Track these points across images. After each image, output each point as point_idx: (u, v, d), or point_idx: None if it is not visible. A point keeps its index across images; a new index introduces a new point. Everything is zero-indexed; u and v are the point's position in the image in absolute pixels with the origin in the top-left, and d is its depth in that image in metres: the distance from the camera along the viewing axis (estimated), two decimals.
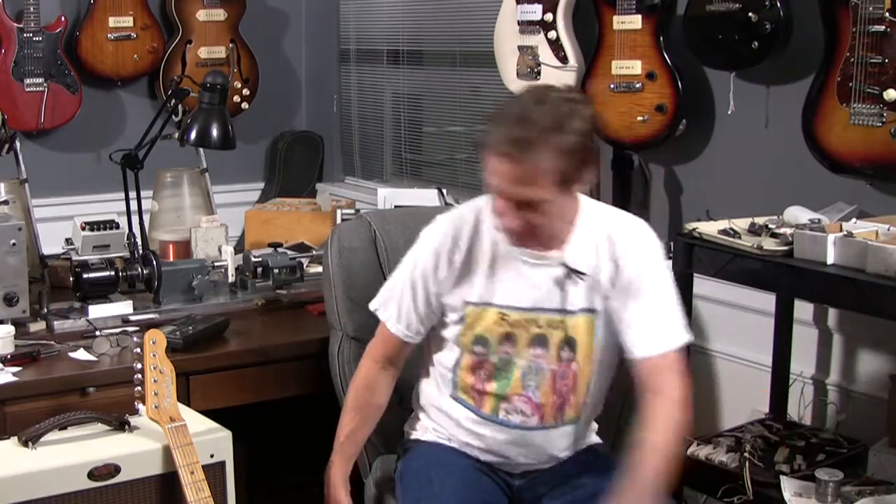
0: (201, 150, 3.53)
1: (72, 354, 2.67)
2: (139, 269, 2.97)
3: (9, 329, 2.68)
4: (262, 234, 3.51)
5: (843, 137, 2.67)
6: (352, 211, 3.55)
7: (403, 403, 2.50)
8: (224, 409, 2.62)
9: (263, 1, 4.73)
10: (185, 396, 2.58)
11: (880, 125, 2.59)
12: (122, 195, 3.09)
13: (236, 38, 4.49)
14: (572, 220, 2.24)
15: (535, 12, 3.43)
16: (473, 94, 4.07)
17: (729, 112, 3.06)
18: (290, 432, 3.18)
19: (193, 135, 3.15)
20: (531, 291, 2.25)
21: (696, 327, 3.07)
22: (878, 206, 2.71)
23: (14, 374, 2.55)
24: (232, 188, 4.54)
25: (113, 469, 2.20)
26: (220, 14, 4.44)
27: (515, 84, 3.56)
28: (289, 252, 3.23)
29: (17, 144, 3.26)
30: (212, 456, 2.30)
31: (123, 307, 2.93)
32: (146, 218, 3.21)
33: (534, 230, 2.17)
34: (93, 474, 2.18)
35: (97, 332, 2.77)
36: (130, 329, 2.80)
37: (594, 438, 2.44)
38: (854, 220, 2.58)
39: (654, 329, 2.21)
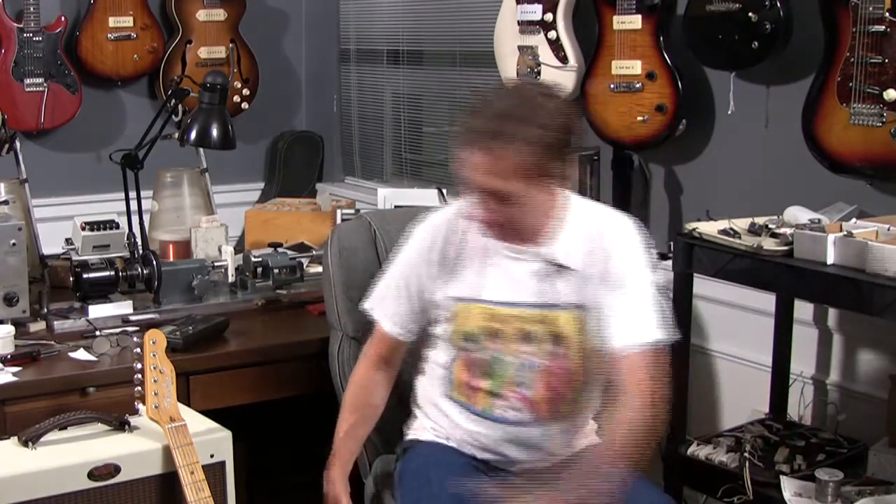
0: (201, 150, 3.53)
1: (72, 354, 2.67)
2: (139, 269, 2.97)
3: (9, 329, 2.68)
4: (262, 234, 3.51)
5: (843, 137, 2.67)
6: (352, 211, 3.55)
7: (403, 403, 2.50)
8: (224, 409, 2.62)
9: (263, 1, 4.73)
10: (185, 396, 2.58)
11: (880, 125, 2.59)
12: (122, 195, 3.08)
13: (236, 38, 4.49)
14: (556, 216, 2.25)
15: (535, 12, 3.43)
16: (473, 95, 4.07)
17: (729, 112, 3.06)
18: (290, 432, 3.18)
19: (193, 135, 3.15)
20: (516, 287, 2.26)
21: (697, 327, 3.07)
22: (878, 206, 2.71)
23: (14, 374, 2.54)
24: (232, 188, 4.54)
25: (113, 469, 2.20)
26: (220, 14, 4.44)
27: None
28: (289, 252, 3.22)
29: (17, 144, 3.26)
30: (212, 456, 2.30)
31: (123, 307, 2.93)
32: (146, 218, 3.21)
33: (507, 223, 2.17)
34: (93, 474, 2.18)
35: (97, 332, 2.77)
36: (130, 329, 2.80)
37: (595, 438, 2.43)
38: (854, 220, 2.58)
39: (624, 322, 2.19)
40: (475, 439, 2.32)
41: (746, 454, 2.58)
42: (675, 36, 3.13)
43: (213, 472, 2.30)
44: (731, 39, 2.92)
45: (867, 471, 2.55)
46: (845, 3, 2.60)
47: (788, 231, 2.52)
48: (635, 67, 3.18)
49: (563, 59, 3.41)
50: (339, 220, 3.48)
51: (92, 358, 2.65)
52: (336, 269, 2.72)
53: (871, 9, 2.56)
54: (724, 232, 2.58)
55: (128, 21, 4.29)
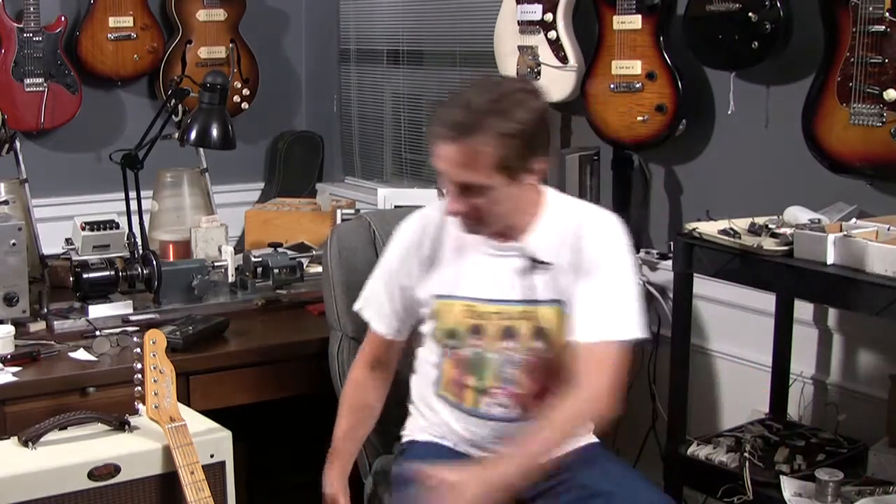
0: (201, 150, 3.53)
1: (72, 354, 2.67)
2: (139, 269, 2.97)
3: (9, 329, 2.68)
4: (262, 234, 3.51)
5: (843, 137, 2.67)
6: (352, 211, 3.55)
7: (402, 402, 2.50)
8: (224, 409, 2.62)
9: (263, 1, 4.73)
10: (185, 396, 2.58)
11: (880, 125, 2.59)
12: (122, 195, 3.08)
13: (236, 38, 4.49)
14: (533, 211, 2.25)
15: (535, 12, 3.43)
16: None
17: (729, 112, 3.06)
18: (290, 432, 3.18)
19: (193, 135, 3.15)
20: (495, 283, 2.26)
21: (696, 327, 3.07)
22: (878, 206, 2.71)
23: (14, 374, 2.54)
24: (232, 188, 4.54)
25: (113, 469, 2.20)
26: (220, 14, 4.44)
27: None
28: (289, 252, 3.23)
29: (17, 144, 3.26)
30: (212, 456, 2.30)
31: (123, 307, 2.93)
32: (146, 218, 3.21)
33: (480, 216, 2.18)
34: (93, 474, 2.18)
35: (97, 332, 2.77)
36: (130, 329, 2.80)
37: (591, 438, 2.42)
38: (854, 220, 2.58)
39: (592, 316, 2.18)
40: (467, 437, 2.32)
41: (746, 454, 2.58)
42: (675, 36, 3.13)
43: (213, 472, 2.30)
44: (731, 39, 2.92)
45: (867, 471, 2.55)
46: (845, 3, 2.60)
47: (788, 231, 2.52)
48: (635, 67, 3.18)
49: (563, 59, 3.41)
50: (339, 220, 3.48)
51: (92, 358, 2.65)
52: (336, 270, 2.72)
53: (871, 9, 2.56)
54: (724, 232, 2.57)
55: (128, 21, 4.29)
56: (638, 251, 3.37)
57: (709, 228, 2.62)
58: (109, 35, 4.26)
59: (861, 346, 2.86)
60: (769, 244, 2.49)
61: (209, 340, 2.79)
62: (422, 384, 2.39)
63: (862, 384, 2.84)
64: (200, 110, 3.16)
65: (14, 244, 2.78)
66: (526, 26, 3.46)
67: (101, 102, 4.40)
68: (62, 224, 3.41)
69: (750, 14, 2.86)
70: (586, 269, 2.20)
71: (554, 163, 3.48)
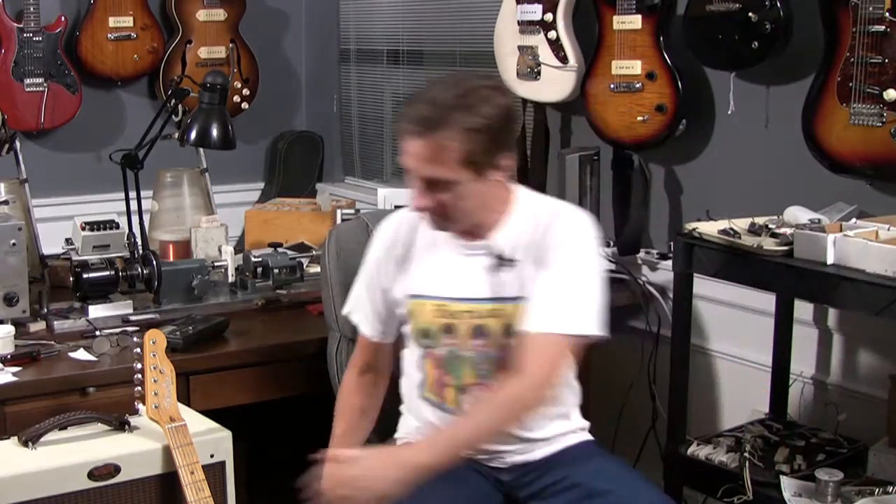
0: (201, 150, 3.53)
1: (72, 354, 2.67)
2: (139, 269, 2.97)
3: (9, 329, 2.67)
4: (262, 234, 3.51)
5: (843, 137, 2.67)
6: (352, 211, 3.55)
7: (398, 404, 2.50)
8: (224, 409, 2.62)
9: (263, 1, 4.73)
10: (185, 396, 2.58)
11: (880, 125, 2.59)
12: (122, 195, 3.08)
13: (236, 38, 4.49)
14: (501, 209, 2.25)
15: (535, 12, 3.43)
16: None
17: (729, 112, 3.06)
18: (290, 432, 3.18)
19: (193, 135, 3.15)
20: (465, 281, 2.27)
21: (696, 327, 3.07)
22: (878, 206, 2.71)
23: (14, 374, 2.54)
24: (232, 188, 4.54)
25: (113, 469, 2.20)
26: (220, 14, 4.44)
27: (515, 84, 3.56)
28: (289, 252, 3.23)
29: (17, 144, 3.26)
30: (212, 456, 2.30)
31: (123, 307, 2.93)
32: (146, 218, 3.21)
33: (447, 212, 2.18)
34: (93, 474, 2.18)
35: (97, 332, 2.77)
36: (130, 329, 2.79)
37: (585, 435, 2.41)
38: (854, 220, 2.58)
39: (543, 307, 2.17)
40: (487, 444, 2.33)
41: (746, 454, 2.58)
42: (675, 36, 3.13)
43: (213, 472, 2.30)
44: (731, 39, 2.92)
45: (867, 471, 2.55)
46: (845, 3, 2.60)
47: (788, 231, 2.52)
48: (635, 67, 3.18)
49: (563, 59, 3.41)
50: (339, 220, 3.48)
51: (92, 358, 2.65)
52: (334, 271, 2.72)
53: (871, 9, 2.56)
54: (724, 232, 2.58)
55: (128, 21, 4.29)
56: (638, 251, 3.37)
57: (709, 228, 2.62)
58: (109, 35, 4.26)
59: (861, 346, 2.86)
60: (769, 244, 2.49)
61: (209, 340, 2.79)
62: (408, 386, 2.40)
63: (862, 384, 2.84)
64: (200, 110, 3.16)
65: (14, 244, 2.78)
66: (526, 26, 3.46)
67: (101, 102, 4.40)
68: (62, 224, 3.41)
69: (750, 14, 2.86)
70: (546, 261, 2.20)
71: (553, 163, 3.49)
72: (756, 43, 2.87)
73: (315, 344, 2.83)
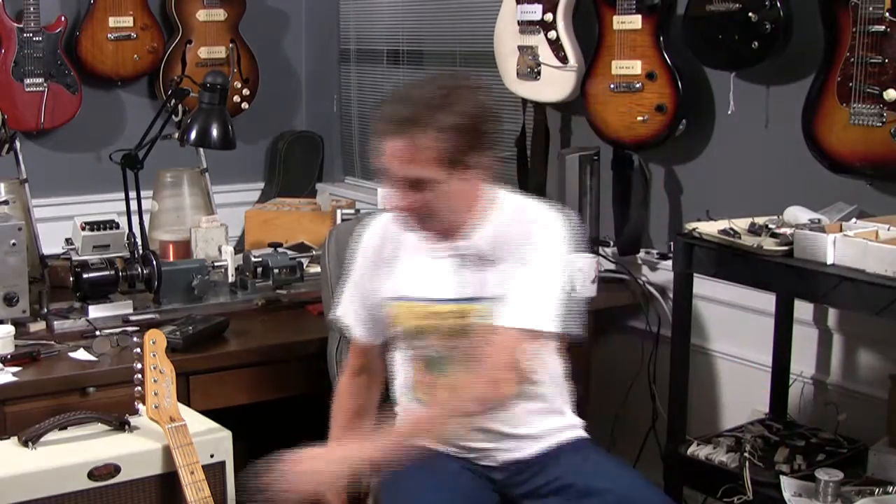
0: (201, 150, 3.53)
1: (72, 354, 2.67)
2: (139, 269, 2.97)
3: (9, 329, 2.68)
4: (262, 234, 3.51)
5: (843, 137, 2.67)
6: (352, 211, 3.55)
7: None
8: (224, 409, 2.62)
9: (263, 1, 4.73)
10: (185, 396, 2.58)
11: (880, 125, 2.59)
12: (122, 195, 3.08)
13: (236, 38, 4.49)
14: (476, 209, 2.25)
15: (535, 12, 3.43)
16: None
17: (729, 112, 3.06)
18: (290, 432, 3.18)
19: (193, 135, 3.15)
20: (441, 282, 2.27)
21: (697, 327, 3.07)
22: (878, 206, 2.71)
23: (14, 374, 2.54)
24: (232, 188, 4.54)
25: (113, 469, 2.20)
26: (220, 14, 4.44)
27: (515, 84, 3.56)
28: (289, 252, 3.23)
29: (17, 144, 3.26)
30: (212, 456, 2.30)
31: (123, 307, 2.93)
32: (146, 218, 3.21)
33: (424, 212, 2.18)
34: (93, 474, 2.18)
35: (97, 332, 2.77)
36: (130, 329, 2.79)
37: (579, 432, 2.41)
38: (854, 220, 2.58)
39: (512, 303, 2.17)
40: (447, 437, 2.33)
41: (746, 454, 2.58)
42: (675, 36, 3.13)
43: (213, 472, 2.30)
44: (731, 39, 2.92)
45: (867, 471, 2.55)
46: (845, 3, 2.60)
47: (788, 231, 2.52)
48: (635, 67, 3.18)
49: (563, 59, 3.41)
50: (339, 220, 3.48)
51: (92, 358, 2.65)
52: (333, 271, 2.72)
53: (871, 9, 2.56)
54: (724, 232, 2.58)
55: (128, 21, 4.28)
56: (638, 251, 3.38)
57: (709, 228, 2.62)
58: (109, 35, 4.26)
59: (861, 346, 2.86)
60: (769, 244, 2.49)
61: (209, 340, 2.79)
62: (399, 387, 2.40)
63: (862, 384, 2.84)
64: (200, 110, 3.16)
65: (14, 244, 2.78)
66: (526, 26, 3.46)
67: (101, 102, 4.40)
68: (62, 224, 3.40)
69: (750, 14, 2.86)
70: (513, 258, 2.20)
71: (554, 163, 3.49)
72: (756, 43, 2.87)
73: (315, 344, 2.83)
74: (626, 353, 3.38)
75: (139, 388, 2.31)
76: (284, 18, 4.84)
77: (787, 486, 2.48)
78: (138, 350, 2.33)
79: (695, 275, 2.72)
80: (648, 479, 2.31)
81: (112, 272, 2.94)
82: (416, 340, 2.31)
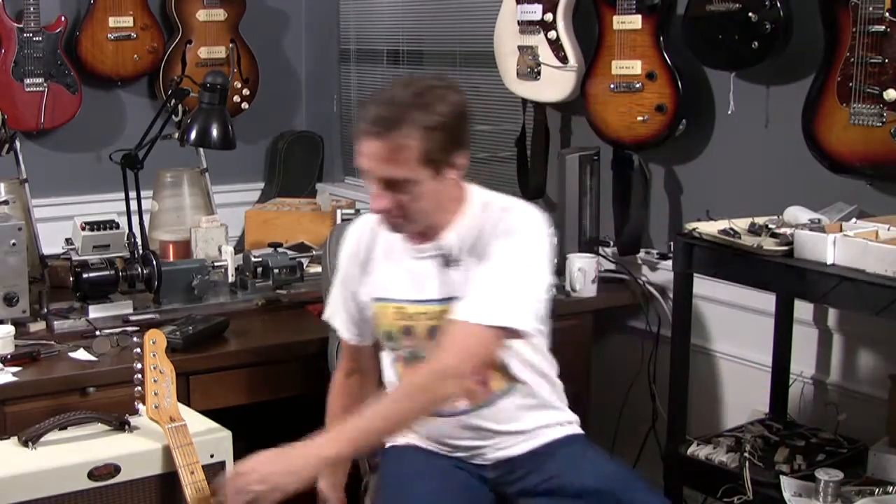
0: (201, 150, 3.53)
1: (72, 354, 2.67)
2: (139, 269, 2.97)
3: (9, 329, 2.68)
4: (262, 234, 3.51)
5: (843, 137, 2.67)
6: (352, 211, 3.55)
7: None
8: (224, 409, 2.62)
9: (263, 1, 4.73)
10: (185, 396, 2.58)
11: (880, 125, 2.59)
12: (122, 195, 3.08)
13: (236, 38, 4.49)
14: (454, 209, 2.25)
15: (535, 12, 3.43)
16: (473, 94, 4.07)
17: (729, 112, 3.06)
18: (290, 432, 3.17)
19: (193, 135, 3.15)
20: (420, 283, 2.28)
21: (697, 327, 3.07)
22: (878, 206, 2.71)
23: (14, 374, 2.54)
24: (232, 188, 4.54)
25: (113, 469, 2.20)
26: (220, 14, 4.44)
27: (515, 84, 3.56)
28: (289, 252, 3.23)
29: (17, 144, 3.26)
30: (212, 456, 2.30)
31: (123, 307, 2.93)
32: (146, 218, 3.21)
33: (405, 213, 2.18)
34: (93, 474, 2.18)
35: (97, 332, 2.77)
36: (130, 329, 2.79)
37: (574, 428, 2.42)
38: (854, 220, 2.58)
39: (469, 297, 2.15)
40: (436, 436, 2.34)
41: (746, 454, 2.58)
42: (675, 36, 3.13)
43: (213, 472, 2.29)
44: (731, 39, 2.92)
45: (867, 471, 2.55)
46: (845, 3, 2.60)
47: (788, 231, 2.52)
48: (635, 67, 3.18)
49: (563, 59, 3.41)
50: (339, 220, 3.48)
51: (92, 358, 2.65)
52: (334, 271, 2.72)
53: (871, 9, 2.56)
54: (724, 232, 2.57)
55: (128, 21, 4.29)
56: (638, 251, 3.38)
57: (709, 228, 2.62)
58: (109, 35, 4.26)
59: (861, 346, 2.86)
60: (769, 244, 2.49)
61: (209, 340, 2.79)
62: (389, 388, 2.40)
63: (862, 384, 2.84)
64: (200, 110, 3.16)
65: (14, 244, 2.78)
66: (526, 26, 3.46)
67: (101, 102, 4.40)
68: (62, 224, 3.41)
69: (750, 14, 2.86)
70: (487, 255, 2.20)
71: (554, 163, 3.49)
72: (756, 43, 2.87)
73: (315, 344, 2.83)
74: (626, 353, 3.38)
75: (139, 388, 2.31)
76: (284, 18, 4.84)
77: (787, 486, 2.48)
78: (138, 350, 2.33)
79: (695, 275, 2.72)
80: (645, 480, 2.31)
81: (112, 272, 2.94)
82: (398, 341, 2.32)
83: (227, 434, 2.35)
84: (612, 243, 3.42)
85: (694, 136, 3.21)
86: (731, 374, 3.17)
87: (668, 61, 3.13)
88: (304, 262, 3.26)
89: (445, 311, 2.22)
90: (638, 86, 3.18)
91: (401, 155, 2.11)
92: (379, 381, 2.47)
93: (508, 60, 3.55)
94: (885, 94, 2.57)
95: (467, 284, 2.20)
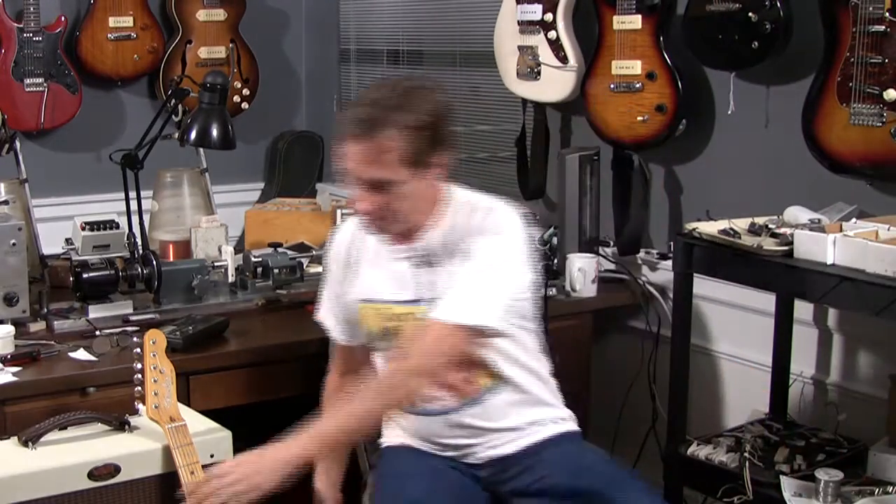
0: (201, 150, 3.53)
1: (72, 354, 2.67)
2: (139, 269, 2.97)
3: (9, 329, 2.67)
4: (262, 234, 3.51)
5: (843, 137, 2.67)
6: (352, 211, 3.55)
7: None
8: (224, 409, 2.62)
9: (263, 1, 4.73)
10: (185, 396, 2.58)
11: (880, 125, 2.59)
12: (122, 195, 3.08)
13: (236, 38, 4.49)
14: (435, 210, 2.26)
15: (535, 12, 3.43)
16: (473, 94, 4.07)
17: (729, 112, 3.06)
18: (291, 432, 3.17)
19: (193, 135, 3.15)
20: (399, 284, 2.29)
21: (697, 327, 3.07)
22: (878, 206, 2.71)
23: (14, 374, 2.54)
24: (232, 188, 4.54)
25: (113, 469, 2.20)
26: (220, 14, 4.44)
27: (515, 84, 3.56)
28: (289, 252, 3.22)
29: (17, 144, 3.26)
30: (212, 456, 2.30)
31: (123, 307, 2.93)
32: (146, 218, 3.21)
33: (387, 214, 2.19)
34: (93, 474, 2.18)
35: (97, 332, 2.77)
36: (130, 329, 2.79)
37: (569, 425, 2.42)
38: (854, 220, 2.58)
39: (445, 297, 2.17)
40: (426, 436, 2.35)
41: (746, 454, 2.58)
42: (675, 36, 3.13)
43: None
44: (731, 39, 2.92)
45: (867, 471, 2.55)
46: (845, 3, 2.60)
47: (788, 231, 2.52)
48: (635, 67, 3.18)
49: (563, 59, 3.41)
50: (339, 220, 3.47)
51: (92, 358, 2.65)
52: None
53: (871, 9, 2.56)
54: (724, 232, 2.58)
55: (128, 21, 4.29)
56: (638, 251, 3.38)
57: (709, 228, 2.62)
58: (109, 35, 4.26)
59: (861, 346, 2.86)
60: (769, 244, 2.49)
61: (209, 340, 2.79)
62: None
63: (862, 384, 2.84)
64: (200, 110, 3.16)
65: (14, 244, 2.78)
66: (526, 26, 3.46)
67: (101, 102, 4.40)
68: (62, 224, 3.40)
69: (750, 14, 2.86)
70: (462, 255, 2.20)
71: (554, 163, 3.49)
72: (756, 43, 2.87)
73: (315, 344, 2.82)
74: (626, 353, 3.38)
75: (139, 388, 2.31)
76: (284, 18, 4.84)
77: (787, 486, 2.48)
78: (138, 350, 2.33)
79: (695, 275, 2.72)
80: (645, 480, 2.31)
81: (112, 272, 2.94)
82: (380, 342, 2.33)
83: (227, 434, 2.35)
84: (612, 243, 3.42)
85: (694, 136, 3.21)
86: (731, 374, 3.17)
87: (668, 61, 3.13)
88: (304, 262, 3.25)
89: (428, 311, 2.23)
90: (638, 86, 3.18)
91: (384, 156, 2.12)
92: None
93: (508, 60, 3.55)
94: (885, 94, 2.57)
95: (446, 285, 2.20)
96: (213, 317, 2.86)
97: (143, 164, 3.12)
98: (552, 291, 3.11)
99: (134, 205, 3.10)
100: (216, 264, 3.16)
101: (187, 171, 3.63)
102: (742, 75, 3.03)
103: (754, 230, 2.59)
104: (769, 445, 2.67)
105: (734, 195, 3.08)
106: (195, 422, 2.35)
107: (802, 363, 2.93)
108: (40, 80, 4.11)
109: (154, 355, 2.31)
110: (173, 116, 3.29)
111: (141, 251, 3.06)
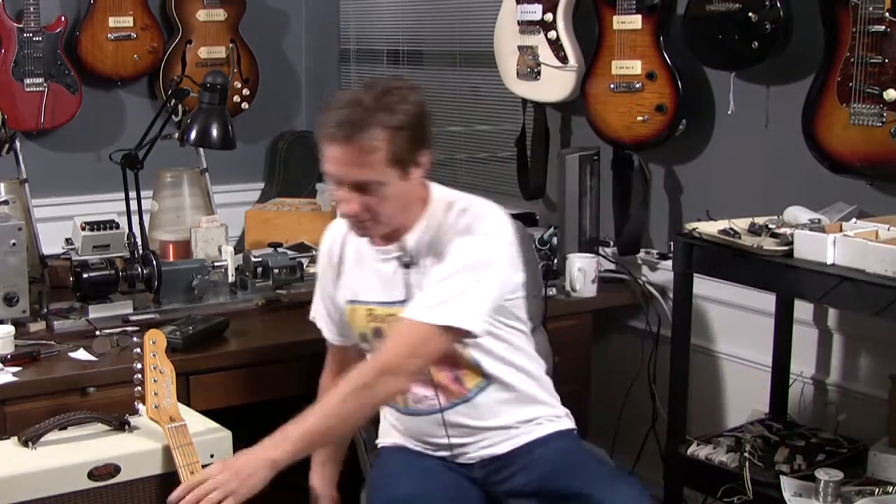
0: (201, 150, 3.52)
1: (72, 354, 2.67)
2: (139, 269, 2.97)
3: (9, 329, 2.67)
4: (262, 234, 3.51)
5: (843, 137, 2.68)
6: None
7: None
8: (224, 409, 2.62)
9: (263, 1, 4.73)
10: (185, 396, 2.57)
11: (880, 125, 2.59)
12: (122, 195, 3.08)
13: (236, 38, 4.49)
14: (418, 210, 2.26)
15: (535, 12, 3.43)
16: (473, 94, 4.07)
17: (729, 112, 3.06)
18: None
19: (193, 135, 3.15)
20: (386, 285, 2.29)
21: (697, 327, 3.07)
22: (878, 206, 2.71)
23: (14, 374, 2.54)
24: (232, 188, 4.54)
25: (113, 469, 2.20)
26: (220, 14, 4.44)
27: (516, 84, 3.56)
28: (289, 252, 3.23)
29: (17, 144, 3.26)
30: (212, 456, 2.30)
31: (123, 307, 2.93)
32: (146, 218, 3.21)
33: (374, 216, 2.19)
34: (93, 474, 2.18)
35: (97, 332, 2.77)
36: (130, 329, 2.79)
37: (566, 423, 2.41)
38: (854, 220, 2.58)
39: (420, 296, 2.17)
40: (417, 436, 2.35)
41: (746, 454, 2.58)
42: (675, 36, 3.13)
43: None
44: (731, 39, 2.92)
45: (867, 471, 2.55)
46: (845, 3, 2.60)
47: (788, 231, 2.52)
48: (635, 67, 3.18)
49: (563, 59, 3.41)
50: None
51: (92, 358, 2.65)
52: None
53: (871, 9, 2.56)
54: (724, 232, 2.58)
55: (128, 21, 4.29)
56: (638, 251, 3.38)
57: (709, 228, 2.62)
58: (109, 35, 4.26)
59: (861, 346, 2.86)
60: (769, 244, 2.49)
61: (209, 340, 2.79)
62: None
63: (862, 384, 2.84)
64: (200, 110, 3.16)
65: (14, 244, 2.78)
66: (526, 26, 3.46)
67: (101, 102, 4.40)
68: (62, 224, 3.40)
69: (750, 14, 2.86)
70: (444, 254, 2.20)
71: (554, 163, 3.49)
72: (756, 43, 2.87)
73: (315, 344, 2.82)
74: (626, 353, 3.38)
75: (139, 388, 2.31)
76: (284, 18, 4.84)
77: (787, 486, 2.48)
78: (138, 350, 2.33)
79: (695, 275, 2.72)
80: (645, 480, 2.31)
81: (112, 272, 2.94)
82: (367, 343, 2.34)
83: (227, 434, 2.35)
84: (612, 243, 3.42)
85: (694, 136, 3.21)
86: (731, 374, 3.17)
87: (668, 61, 3.13)
88: (304, 262, 3.25)
89: None
90: (638, 86, 3.18)
91: (369, 157, 2.12)
92: None
93: (508, 60, 3.55)
94: (885, 94, 2.57)
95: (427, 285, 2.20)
96: (213, 317, 2.86)
97: (143, 164, 3.12)
98: (552, 291, 3.11)
99: (134, 205, 3.10)
100: (216, 264, 3.16)
101: (187, 171, 3.63)
102: (742, 75, 3.03)
103: (754, 230, 2.59)
104: (769, 445, 2.67)
105: (734, 195, 3.08)
106: (195, 422, 2.35)
107: (802, 363, 2.93)
108: (40, 80, 4.11)
109: (154, 355, 2.31)
110: (173, 116, 3.29)
111: (141, 251, 3.06)
